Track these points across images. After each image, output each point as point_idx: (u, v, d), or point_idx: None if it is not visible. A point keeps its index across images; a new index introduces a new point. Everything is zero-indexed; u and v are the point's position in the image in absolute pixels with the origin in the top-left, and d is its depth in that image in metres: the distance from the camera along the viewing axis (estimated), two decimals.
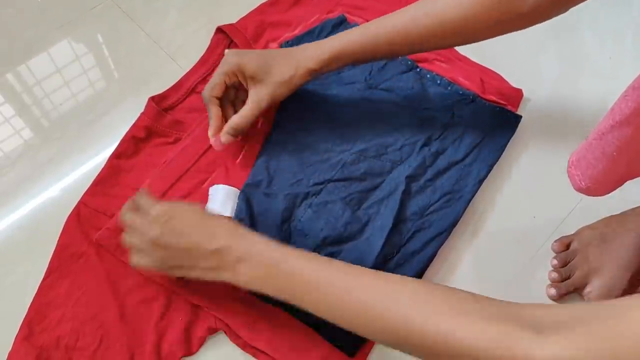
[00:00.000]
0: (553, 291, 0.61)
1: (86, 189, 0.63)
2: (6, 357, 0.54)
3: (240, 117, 0.61)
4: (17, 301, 0.57)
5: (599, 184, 0.52)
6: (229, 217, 0.53)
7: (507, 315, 0.38)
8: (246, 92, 0.62)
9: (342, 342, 0.56)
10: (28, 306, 0.57)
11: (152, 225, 0.51)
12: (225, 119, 0.63)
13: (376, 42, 0.59)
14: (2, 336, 0.55)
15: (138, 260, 0.53)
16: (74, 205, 0.62)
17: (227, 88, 0.62)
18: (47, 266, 0.59)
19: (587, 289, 0.61)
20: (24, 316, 0.56)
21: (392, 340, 0.43)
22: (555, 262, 0.63)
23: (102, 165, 0.65)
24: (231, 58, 0.60)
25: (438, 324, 0.39)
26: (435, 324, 0.39)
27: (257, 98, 0.60)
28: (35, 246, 0.62)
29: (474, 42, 0.59)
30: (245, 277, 0.49)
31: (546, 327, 0.35)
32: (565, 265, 0.63)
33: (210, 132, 0.62)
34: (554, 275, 0.62)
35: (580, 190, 0.54)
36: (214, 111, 0.62)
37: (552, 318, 0.36)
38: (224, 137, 0.61)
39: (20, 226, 0.64)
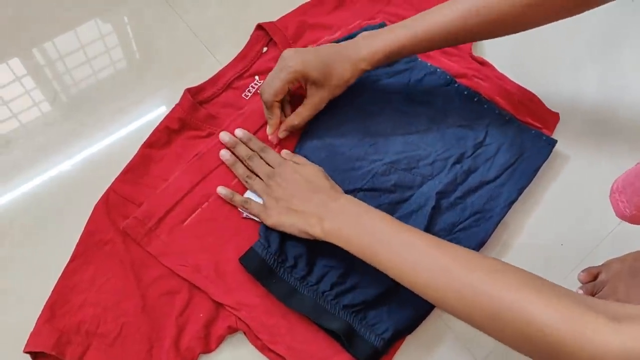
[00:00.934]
0: None
1: (109, 163, 0.64)
2: (27, 338, 0.54)
3: (298, 118, 0.64)
4: (41, 283, 0.57)
5: None
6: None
7: (581, 299, 0.39)
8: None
9: (362, 353, 0.56)
10: (51, 289, 0.57)
11: (283, 164, 0.61)
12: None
13: (430, 37, 0.59)
14: (25, 317, 0.55)
15: (256, 185, 0.61)
16: (97, 179, 0.63)
17: None
18: (72, 250, 0.59)
19: None
20: (46, 299, 0.57)
21: (460, 308, 0.44)
22: (581, 292, 0.63)
23: (130, 144, 0.65)
24: (294, 64, 0.60)
25: (510, 296, 0.40)
26: (507, 295, 0.40)
27: (317, 100, 0.63)
28: (62, 224, 0.62)
29: (531, 28, 0.59)
30: (331, 227, 0.54)
31: (620, 318, 0.35)
32: (592, 296, 0.62)
33: (269, 131, 0.64)
34: None
35: (623, 217, 0.53)
36: (276, 113, 0.63)
37: (626, 311, 0.36)
38: (282, 133, 0.65)
39: (43, 198, 0.64)
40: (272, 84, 0.61)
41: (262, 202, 0.61)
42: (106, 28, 0.75)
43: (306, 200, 0.57)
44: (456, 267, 0.46)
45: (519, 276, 0.44)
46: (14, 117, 0.69)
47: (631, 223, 0.53)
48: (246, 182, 0.62)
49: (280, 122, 0.64)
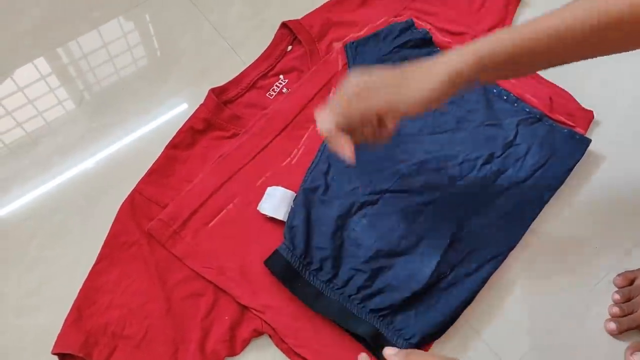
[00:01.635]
0: (613, 325, 0.59)
1: (134, 161, 0.64)
2: (54, 339, 0.54)
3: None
4: (68, 285, 0.58)
5: None
6: None
7: None
8: None
9: None
10: (78, 290, 0.57)
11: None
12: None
13: (519, 59, 0.47)
14: (52, 319, 0.56)
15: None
16: (121, 177, 0.63)
17: None
18: (99, 246, 0.59)
19: None
20: (73, 300, 0.57)
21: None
22: (617, 296, 0.61)
23: (155, 142, 0.65)
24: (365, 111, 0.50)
25: None
26: None
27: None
28: (86, 222, 0.63)
29: None
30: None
31: None
32: (628, 301, 0.60)
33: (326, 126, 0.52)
34: (615, 310, 0.60)
35: None
36: (344, 141, 0.51)
37: None
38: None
39: (69, 195, 0.65)
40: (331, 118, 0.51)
41: None
42: (129, 26, 0.75)
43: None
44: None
45: None
46: (39, 116, 0.70)
47: None
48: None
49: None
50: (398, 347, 0.55)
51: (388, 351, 0.52)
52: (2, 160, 0.67)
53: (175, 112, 0.70)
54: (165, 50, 0.74)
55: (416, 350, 0.54)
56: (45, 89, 0.71)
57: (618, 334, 0.59)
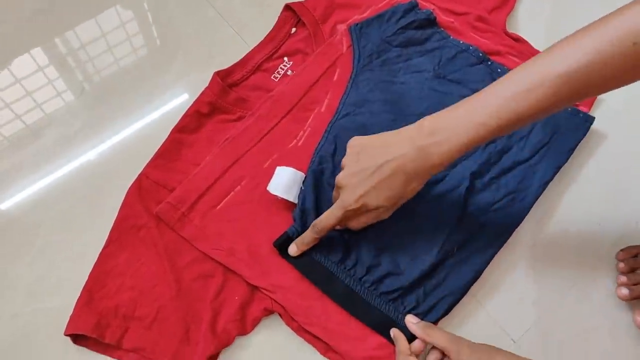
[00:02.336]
0: (625, 291, 0.60)
1: (140, 149, 0.64)
2: (67, 320, 0.55)
3: (354, 225, 0.56)
4: (78, 269, 0.58)
5: None
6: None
7: None
8: None
9: None
10: (87, 274, 0.58)
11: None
12: None
13: (513, 120, 0.47)
14: (62, 303, 0.57)
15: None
16: (126, 165, 0.63)
17: None
18: (107, 233, 0.60)
19: None
20: (83, 284, 0.57)
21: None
22: (622, 265, 0.62)
23: (159, 129, 0.65)
24: (350, 202, 0.53)
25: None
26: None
27: (377, 216, 0.55)
28: (93, 209, 0.63)
29: None
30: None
31: None
32: (632, 272, 0.61)
33: (293, 250, 0.58)
34: (623, 279, 0.61)
35: None
36: (313, 243, 0.57)
37: None
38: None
39: (74, 187, 0.65)
40: (329, 219, 0.55)
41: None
42: (127, 15, 0.74)
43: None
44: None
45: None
46: (39, 107, 0.69)
47: None
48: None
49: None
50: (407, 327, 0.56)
51: (410, 318, 0.54)
52: (3, 153, 0.66)
53: (180, 99, 0.69)
54: (168, 35, 0.74)
55: (434, 325, 0.55)
56: (43, 80, 0.70)
57: (630, 300, 0.60)
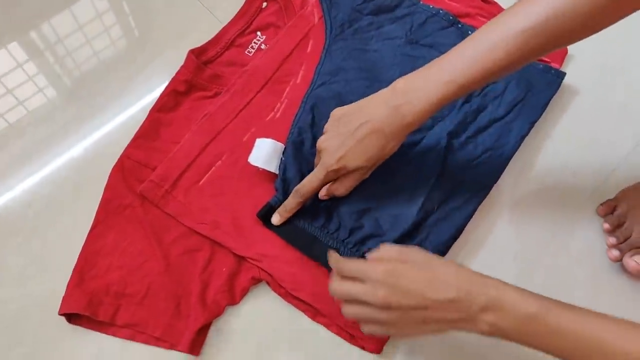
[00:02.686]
0: (616, 252, 0.62)
1: (125, 138, 0.64)
2: (59, 302, 0.56)
3: (342, 187, 0.57)
4: (67, 251, 0.59)
5: None
6: (454, 262, 0.48)
7: None
8: None
9: None
10: (77, 256, 0.59)
11: (377, 290, 0.46)
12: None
13: (491, 72, 0.49)
14: (54, 285, 0.57)
15: (370, 329, 0.49)
16: (112, 155, 0.63)
17: None
18: (93, 217, 0.60)
19: None
20: (74, 265, 0.58)
21: None
22: (607, 225, 0.64)
23: (141, 116, 0.65)
24: (332, 163, 0.55)
25: None
26: None
27: (360, 176, 0.57)
28: (80, 197, 0.63)
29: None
30: (491, 327, 0.44)
31: None
32: (619, 228, 0.63)
33: (275, 220, 0.59)
34: (612, 240, 0.63)
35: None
36: (295, 209, 0.58)
37: None
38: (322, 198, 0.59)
39: (61, 178, 0.65)
40: (311, 182, 0.56)
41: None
42: (102, 5, 0.74)
43: (435, 308, 0.45)
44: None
45: None
46: (21, 105, 0.69)
47: None
48: (348, 314, 0.49)
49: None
50: None
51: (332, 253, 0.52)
52: None
53: (159, 80, 0.69)
54: (140, 18, 0.74)
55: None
56: (23, 76, 0.70)
57: (621, 260, 0.62)
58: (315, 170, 0.57)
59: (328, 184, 0.58)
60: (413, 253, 0.48)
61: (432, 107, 0.51)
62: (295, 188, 0.57)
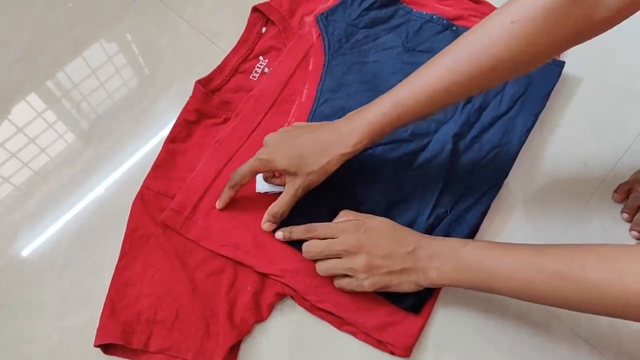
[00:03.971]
0: (636, 234, 0.63)
1: (145, 173, 0.66)
2: (95, 332, 0.58)
3: (279, 206, 0.60)
4: (98, 285, 0.61)
5: None
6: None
7: None
8: None
9: (407, 303, 0.58)
10: (108, 287, 0.61)
11: (350, 239, 0.55)
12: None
13: (413, 109, 0.54)
14: (89, 316, 0.60)
15: (341, 283, 0.58)
16: (133, 189, 0.65)
17: None
18: (120, 249, 0.63)
19: None
20: (105, 296, 0.60)
21: (588, 305, 0.45)
22: (626, 216, 0.64)
23: (158, 150, 0.68)
24: (263, 154, 0.60)
25: (634, 281, 0.41)
26: (631, 281, 0.42)
27: (292, 189, 0.59)
28: (106, 231, 0.66)
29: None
30: (436, 272, 0.54)
31: None
32: (637, 211, 0.63)
33: (219, 205, 0.63)
34: (635, 232, 0.63)
35: None
36: (230, 194, 0.62)
37: None
38: (265, 225, 0.62)
39: (86, 217, 0.67)
40: (242, 168, 0.60)
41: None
42: (111, 48, 0.78)
43: (398, 257, 0.55)
44: (566, 269, 0.46)
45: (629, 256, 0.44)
46: (43, 152, 0.71)
47: None
48: (322, 270, 0.58)
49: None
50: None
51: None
52: (16, 202, 0.68)
53: (172, 113, 0.71)
54: (149, 58, 0.77)
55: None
56: (43, 125, 0.73)
57: None
58: (249, 160, 0.60)
59: (270, 211, 0.61)
60: (371, 216, 0.58)
61: (371, 128, 0.56)
62: (232, 173, 0.61)
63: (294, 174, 0.59)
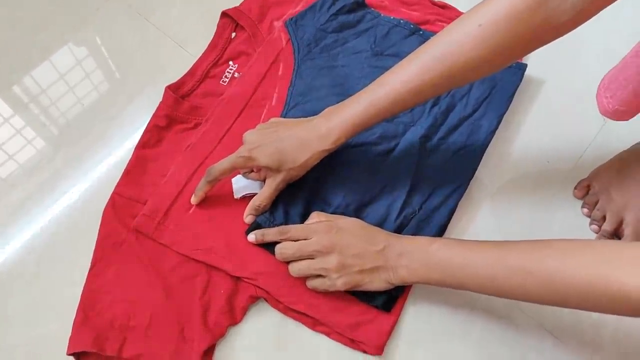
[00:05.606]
0: (595, 227, 0.66)
1: (116, 179, 0.66)
2: (67, 341, 0.58)
3: (261, 199, 0.62)
4: (70, 292, 0.61)
5: (627, 106, 0.54)
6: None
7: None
8: None
9: (379, 301, 0.60)
10: (79, 295, 0.61)
11: (322, 238, 0.57)
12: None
13: (389, 107, 0.56)
14: (60, 325, 0.59)
15: (314, 283, 0.59)
16: (104, 196, 0.65)
17: None
18: (92, 256, 0.62)
19: (624, 227, 0.65)
20: (77, 304, 0.60)
21: (550, 297, 0.47)
22: (586, 210, 0.67)
23: (129, 155, 0.67)
24: (243, 151, 0.61)
25: (590, 272, 0.43)
26: (587, 272, 0.44)
27: (273, 183, 0.61)
28: (78, 239, 0.65)
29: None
30: (406, 270, 0.55)
31: None
32: (594, 206, 0.66)
33: (194, 200, 0.64)
34: (595, 226, 0.66)
35: (606, 113, 0.57)
36: (206, 189, 0.63)
37: None
38: (248, 218, 0.63)
39: (57, 224, 0.67)
40: (222, 164, 0.61)
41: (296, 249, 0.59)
42: (81, 52, 0.77)
43: (369, 256, 0.57)
44: (528, 264, 0.48)
45: (590, 249, 0.46)
46: (11, 159, 0.70)
47: (614, 119, 0.57)
48: (295, 271, 0.59)
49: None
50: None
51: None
52: None
53: (142, 123, 0.70)
54: (119, 63, 0.76)
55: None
56: (11, 131, 0.72)
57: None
58: (229, 155, 0.61)
59: (252, 204, 0.63)
60: (342, 217, 0.60)
61: (349, 125, 0.58)
62: (207, 169, 0.62)
63: (276, 170, 0.60)
